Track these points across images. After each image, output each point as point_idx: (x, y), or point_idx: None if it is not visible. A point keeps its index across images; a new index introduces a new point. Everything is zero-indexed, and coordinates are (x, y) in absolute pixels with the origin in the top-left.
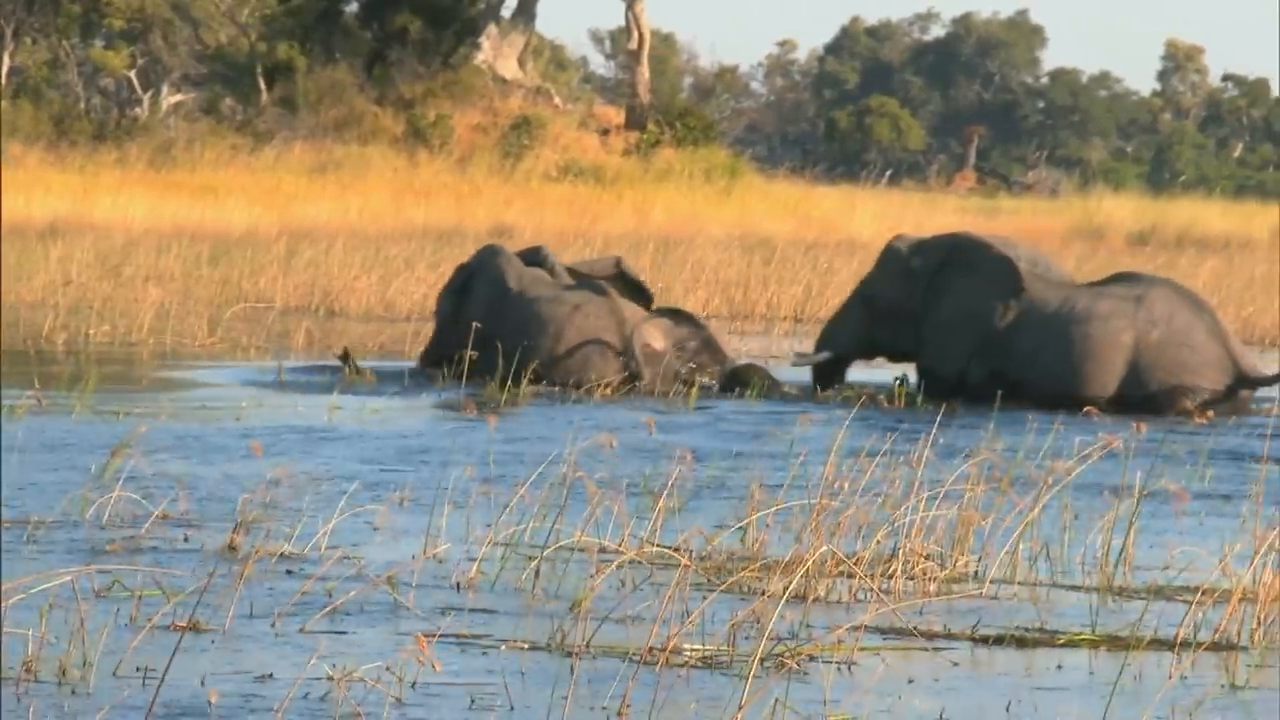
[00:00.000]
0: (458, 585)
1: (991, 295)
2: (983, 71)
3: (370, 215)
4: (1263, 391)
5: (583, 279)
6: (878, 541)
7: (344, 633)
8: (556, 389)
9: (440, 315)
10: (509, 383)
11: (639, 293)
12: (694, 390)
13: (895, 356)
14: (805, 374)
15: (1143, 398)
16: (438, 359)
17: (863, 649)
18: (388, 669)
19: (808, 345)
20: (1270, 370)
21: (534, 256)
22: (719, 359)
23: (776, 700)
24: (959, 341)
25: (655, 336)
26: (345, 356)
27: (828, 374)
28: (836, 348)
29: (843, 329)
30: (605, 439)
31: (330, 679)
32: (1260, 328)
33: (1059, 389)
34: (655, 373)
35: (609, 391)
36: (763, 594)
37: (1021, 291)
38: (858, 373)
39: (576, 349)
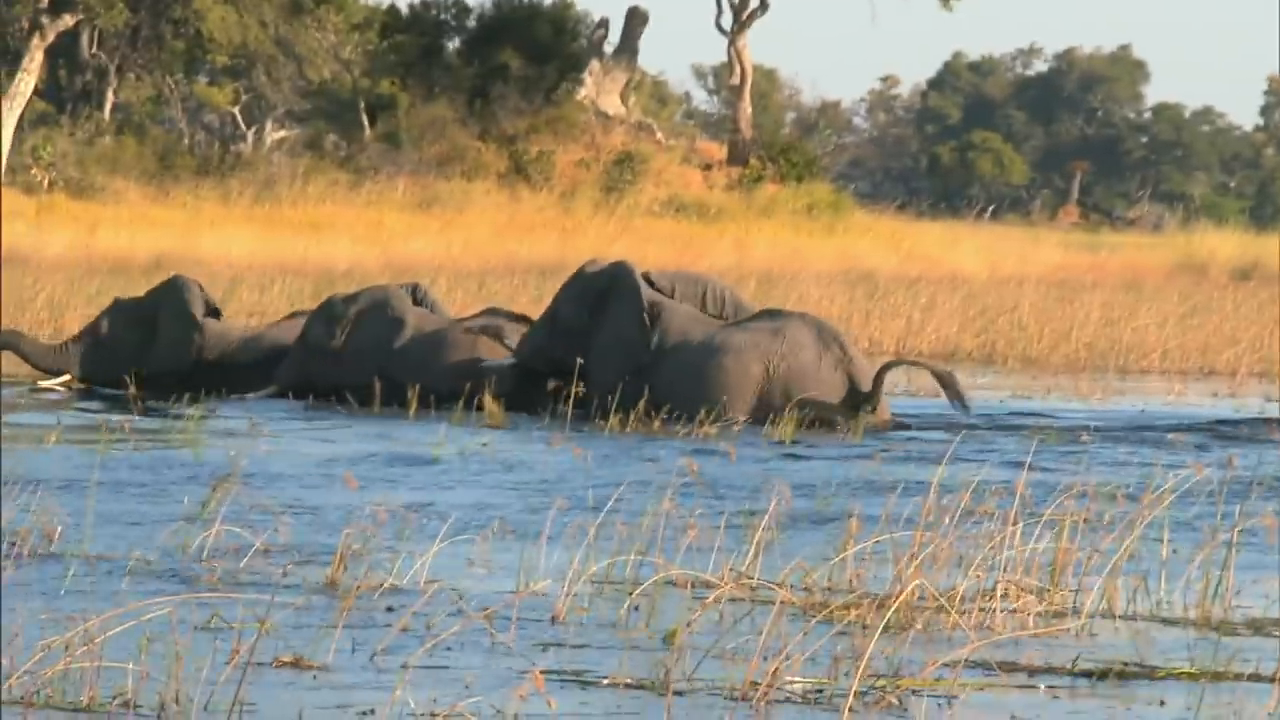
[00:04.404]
0: (554, 619)
1: (632, 326)
2: (1085, 106)
3: (473, 251)
4: None
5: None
6: (977, 575)
7: (445, 667)
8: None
9: (309, 344)
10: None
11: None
12: (790, 423)
13: (563, 373)
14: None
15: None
16: (296, 386)
17: (963, 683)
18: (490, 704)
19: (919, 381)
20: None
21: (413, 293)
22: None
23: None
24: (610, 366)
25: None
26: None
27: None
28: (523, 357)
29: (531, 341)
30: (688, 464)
31: (432, 714)
32: None
33: (696, 415)
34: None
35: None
36: (863, 627)
37: (643, 325)
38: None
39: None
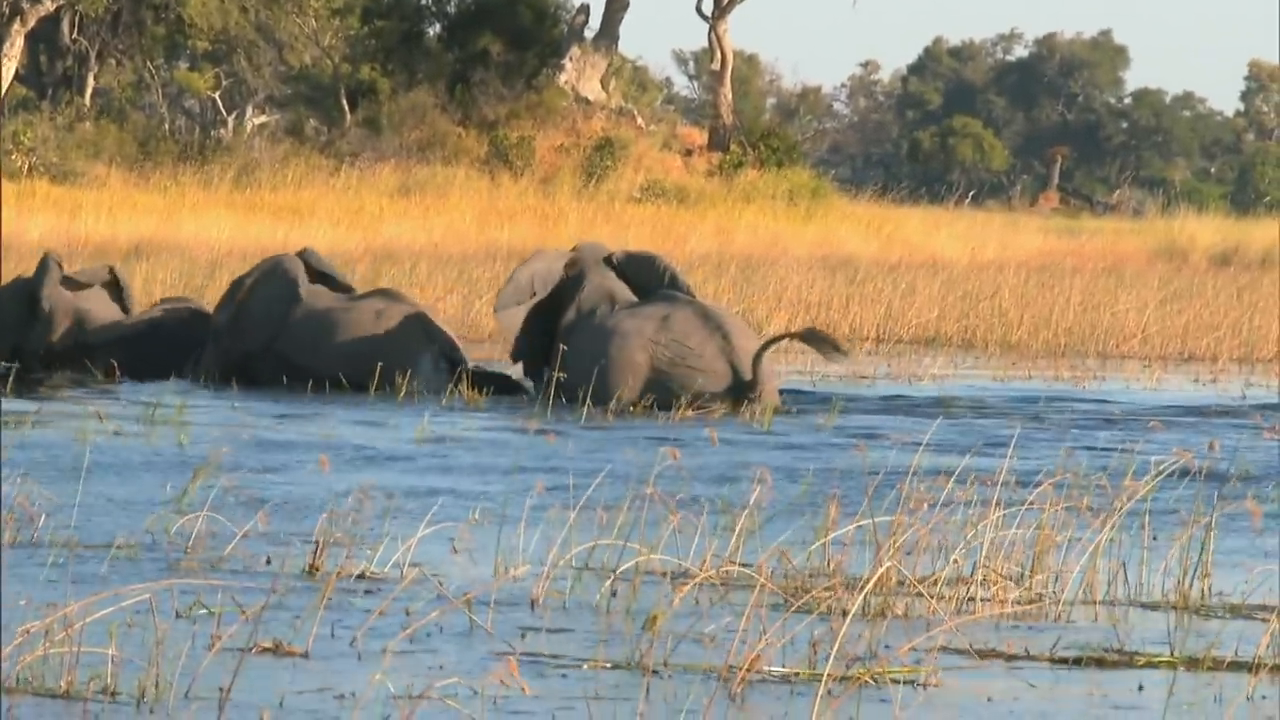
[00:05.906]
0: (533, 604)
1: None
2: (1066, 92)
3: (454, 236)
4: None
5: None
6: (955, 561)
7: (424, 652)
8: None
9: (218, 328)
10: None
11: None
12: (769, 409)
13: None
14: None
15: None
16: (222, 370)
17: (940, 668)
18: (469, 689)
19: (899, 367)
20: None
21: (305, 259)
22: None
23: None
24: (531, 342)
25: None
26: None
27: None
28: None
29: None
30: (670, 451)
31: (410, 698)
32: None
33: (594, 397)
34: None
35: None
36: (842, 613)
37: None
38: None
39: (390, 354)
